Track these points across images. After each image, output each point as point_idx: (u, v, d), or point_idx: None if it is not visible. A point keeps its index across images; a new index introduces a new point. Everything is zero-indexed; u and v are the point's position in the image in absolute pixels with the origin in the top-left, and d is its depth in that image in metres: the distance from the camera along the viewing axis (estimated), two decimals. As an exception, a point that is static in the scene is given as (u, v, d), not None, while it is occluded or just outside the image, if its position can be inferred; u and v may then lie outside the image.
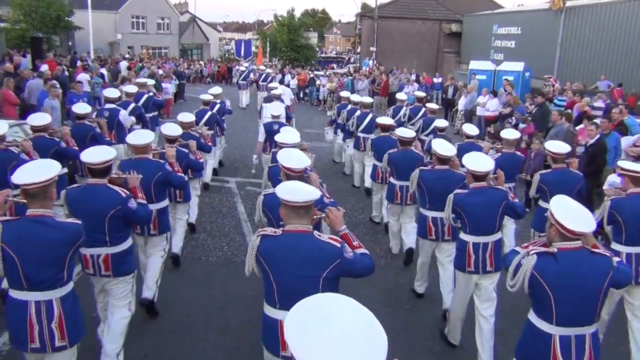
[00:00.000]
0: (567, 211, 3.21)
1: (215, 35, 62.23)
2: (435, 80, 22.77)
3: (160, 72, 16.43)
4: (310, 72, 28.53)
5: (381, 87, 19.34)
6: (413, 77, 23.58)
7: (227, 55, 58.56)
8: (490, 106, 15.12)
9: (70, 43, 38.04)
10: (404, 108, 11.38)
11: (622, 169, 4.96)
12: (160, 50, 46.06)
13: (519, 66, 21.42)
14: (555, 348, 3.24)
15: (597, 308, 3.23)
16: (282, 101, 11.52)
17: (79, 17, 32.52)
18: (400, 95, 12.42)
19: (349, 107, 10.90)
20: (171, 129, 6.37)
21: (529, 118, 12.34)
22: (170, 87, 18.10)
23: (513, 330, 4.91)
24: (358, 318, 1.59)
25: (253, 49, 37.92)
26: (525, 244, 3.50)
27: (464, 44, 31.91)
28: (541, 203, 6.01)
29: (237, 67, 27.57)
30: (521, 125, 11.79)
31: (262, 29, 43.30)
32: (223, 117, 10.69)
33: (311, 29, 48.71)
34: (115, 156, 4.38)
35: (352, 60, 62.88)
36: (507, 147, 6.97)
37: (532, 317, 3.37)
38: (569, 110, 13.96)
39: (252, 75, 21.68)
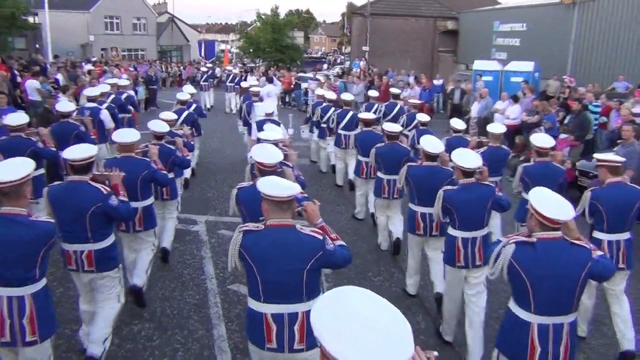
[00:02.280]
0: (546, 201, 3.29)
1: (196, 37, 59.55)
2: (435, 82, 20.58)
3: (124, 77, 14.04)
4: (295, 72, 26.19)
5: (381, 91, 17.12)
6: (411, 79, 21.40)
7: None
8: (511, 113, 12.94)
9: (37, 45, 35.60)
10: (377, 104, 11.35)
11: (599, 160, 5.10)
12: (136, 52, 43.56)
13: (528, 66, 19.36)
14: (533, 336, 3.30)
15: (574, 298, 3.29)
16: (262, 100, 11.45)
17: (49, 17, 29.97)
18: (372, 93, 12.52)
19: (324, 104, 10.91)
20: (159, 125, 6.37)
21: (569, 128, 10.16)
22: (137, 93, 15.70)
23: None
24: (383, 309, 1.56)
25: (217, 50, 35.84)
26: (510, 235, 3.51)
27: (461, 42, 29.76)
28: (524, 195, 6.05)
29: (200, 68, 26.59)
30: (562, 135, 9.68)
31: (244, 29, 40.63)
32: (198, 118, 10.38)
33: (296, 28, 46.08)
34: (96, 153, 4.42)
35: (338, 60, 61.01)
36: (493, 141, 7.05)
37: (512, 305, 3.44)
38: (605, 118, 11.91)
39: (218, 74, 21.53)
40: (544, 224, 3.23)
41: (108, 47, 40.09)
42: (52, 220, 3.59)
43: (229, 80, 20.10)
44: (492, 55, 24.58)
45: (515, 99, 13.29)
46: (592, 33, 19.48)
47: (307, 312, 3.12)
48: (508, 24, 24.49)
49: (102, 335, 4.36)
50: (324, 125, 10.72)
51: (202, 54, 35.31)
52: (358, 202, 8.46)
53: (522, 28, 23.40)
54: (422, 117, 8.86)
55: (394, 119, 10.13)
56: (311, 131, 11.66)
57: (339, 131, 9.80)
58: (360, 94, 17.51)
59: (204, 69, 24.30)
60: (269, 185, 3.21)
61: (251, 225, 3.26)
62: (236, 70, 22.81)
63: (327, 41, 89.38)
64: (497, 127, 7.31)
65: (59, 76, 15.55)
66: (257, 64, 37.66)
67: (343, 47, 52.88)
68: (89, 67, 20.76)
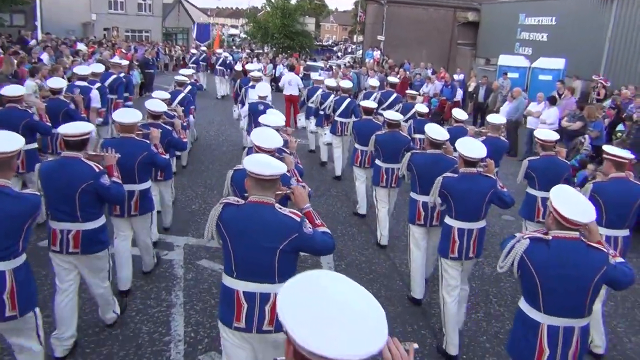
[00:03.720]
0: (566, 200, 3.18)
1: (204, 20, 57.80)
2: (455, 77, 18.89)
3: (116, 59, 12.52)
4: (303, 61, 24.44)
5: (399, 84, 15.49)
6: (429, 72, 19.76)
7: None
8: (547, 117, 11.34)
9: (36, 23, 34.03)
10: (375, 93, 11.06)
11: (606, 152, 4.99)
12: (140, 33, 41.95)
13: (558, 63, 17.74)
14: (542, 337, 3.20)
15: (586, 301, 3.16)
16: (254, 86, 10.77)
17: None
18: (372, 82, 12.31)
19: (321, 90, 10.80)
20: (156, 104, 6.31)
21: (626, 140, 8.56)
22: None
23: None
24: (355, 295, 1.47)
25: (213, 33, 34.24)
26: (525, 232, 3.45)
27: (481, 35, 27.87)
28: (529, 190, 6.05)
29: (191, 50, 25.68)
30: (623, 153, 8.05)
31: (253, 13, 38.84)
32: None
33: (307, 15, 44.19)
34: (93, 130, 4.38)
35: (349, 50, 59.20)
36: (493, 131, 7.03)
37: (522, 304, 3.35)
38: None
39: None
40: (562, 223, 3.14)
41: (111, 27, 38.50)
42: (38, 193, 3.59)
43: (218, 64, 19.22)
44: (516, 50, 22.84)
45: (552, 101, 11.67)
46: (632, 30, 17.69)
47: None
48: (535, 17, 22.66)
49: (109, 308, 4.63)
50: (322, 113, 10.58)
51: (195, 36, 34.02)
52: (359, 195, 8.23)
53: (551, 22, 21.59)
54: (421, 107, 8.82)
55: (389, 108, 9.90)
56: (307, 119, 11.37)
57: (336, 118, 9.81)
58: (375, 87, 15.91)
59: (194, 51, 23.69)
60: (254, 163, 3.18)
61: (232, 199, 3.25)
62: (226, 54, 22.19)
63: (338, 29, 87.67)
64: (497, 118, 7.32)
65: (44, 56, 13.99)
66: (264, 51, 35.87)
67: (355, 36, 51.03)
68: (82, 46, 19.18)
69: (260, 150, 4.11)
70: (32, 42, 17.57)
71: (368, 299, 1.45)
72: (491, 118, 7.28)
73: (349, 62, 31.82)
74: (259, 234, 3.07)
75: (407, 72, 18.24)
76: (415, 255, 5.65)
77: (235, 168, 4.27)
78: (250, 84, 10.92)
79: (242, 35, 44.74)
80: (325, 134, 10.62)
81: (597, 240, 3.21)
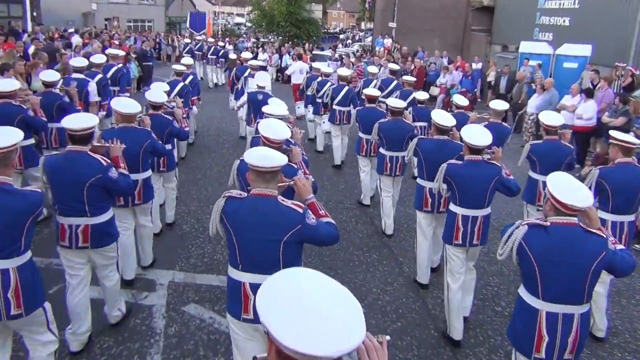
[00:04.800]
0: (563, 186, 3.20)
1: (209, 9, 56.52)
2: (474, 65, 17.67)
3: (111, 50, 11.46)
4: (309, 51, 23.19)
5: (415, 75, 14.35)
6: (445, 61, 18.57)
7: (222, 31, 53.38)
8: (584, 112, 10.19)
9: (35, 13, 33.03)
10: (375, 80, 11.04)
11: (613, 138, 4.94)
12: (143, 23, 40.93)
13: (584, 50, 16.49)
14: (541, 324, 3.19)
15: (585, 288, 3.15)
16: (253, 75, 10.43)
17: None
18: (371, 69, 11.97)
19: (319, 78, 10.59)
20: (156, 95, 6.19)
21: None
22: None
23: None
24: (333, 292, 1.49)
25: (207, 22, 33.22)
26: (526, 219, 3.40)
27: (497, 20, 26.47)
28: (530, 174, 6.06)
29: (184, 40, 25.68)
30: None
31: (259, 1, 37.48)
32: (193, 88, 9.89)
33: (314, 2, 42.72)
34: (97, 123, 4.25)
35: (357, 37, 57.76)
36: (495, 117, 7.01)
37: (522, 291, 3.35)
38: None
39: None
40: (559, 209, 3.15)
41: (112, 17, 37.43)
42: (39, 190, 3.53)
43: (210, 53, 19.05)
44: (535, 36, 21.54)
45: (589, 94, 10.51)
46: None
47: None
48: (556, 0, 21.37)
49: (114, 304, 4.59)
50: (319, 101, 10.41)
51: (188, 25, 33.11)
52: (363, 185, 8.19)
53: (574, 5, 20.26)
54: (420, 94, 8.77)
55: (389, 95, 9.77)
56: (305, 107, 11.16)
57: (334, 107, 9.65)
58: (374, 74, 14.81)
59: (187, 40, 23.08)
60: (255, 156, 3.16)
61: (235, 193, 3.24)
62: (222, 43, 22.09)
63: (345, 16, 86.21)
64: (499, 104, 7.25)
65: (31, 49, 12.94)
66: (270, 40, 34.66)
67: (363, 23, 49.64)
68: (76, 39, 18.12)
69: (268, 141, 4.03)
70: (25, 37, 16.45)
71: (346, 296, 1.48)
72: (494, 104, 7.19)
73: (357, 50, 30.53)
74: (262, 226, 3.07)
75: (421, 61, 17.03)
76: (421, 242, 5.70)
77: (241, 158, 4.07)
78: (249, 72, 10.93)
79: (248, 24, 43.49)
80: (323, 122, 10.43)
81: (597, 227, 3.19)
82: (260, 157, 3.14)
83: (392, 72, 12.16)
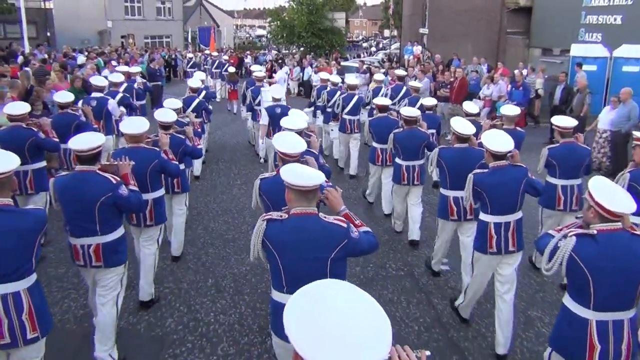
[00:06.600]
0: (606, 192, 3.13)
1: (229, 22, 55.45)
2: (524, 72, 15.62)
3: (105, 74, 10.10)
4: (337, 64, 21.34)
5: (455, 87, 12.52)
6: (484, 68, 16.65)
7: (244, 44, 52.28)
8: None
9: (48, 34, 32.21)
10: (384, 88, 11.06)
11: (638, 139, 4.99)
12: (161, 39, 39.93)
13: (644, 51, 14.43)
14: (592, 334, 3.13)
15: (636, 292, 3.12)
16: (263, 85, 11.05)
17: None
18: (378, 76, 11.96)
19: (329, 88, 10.71)
20: (165, 114, 6.19)
21: None
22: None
23: (545, 318, 5.11)
24: (360, 306, 1.51)
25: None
26: (559, 227, 3.36)
27: (535, 21, 24.32)
28: (548, 178, 6.00)
29: (187, 55, 25.96)
30: None
31: (276, 10, 36.08)
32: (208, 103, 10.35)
33: (336, 10, 40.97)
34: (103, 143, 4.28)
35: (381, 45, 56.00)
36: (507, 123, 6.93)
37: (568, 301, 3.27)
38: None
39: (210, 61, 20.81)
40: (604, 216, 3.08)
41: (129, 33, 36.44)
42: (42, 208, 3.55)
43: (214, 67, 19.48)
44: (580, 37, 19.47)
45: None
46: None
47: None
48: (606, -4, 19.27)
49: (107, 349, 4.36)
50: (329, 110, 10.46)
51: (190, 40, 32.31)
52: (370, 184, 8.34)
53: (627, 1, 18.21)
54: (428, 101, 8.71)
55: (400, 102, 9.88)
56: (314, 116, 11.13)
57: (344, 116, 9.65)
58: (426, 90, 13.02)
59: (190, 55, 23.05)
60: (293, 174, 3.11)
61: (274, 214, 3.19)
62: (226, 57, 22.66)
63: (367, 25, 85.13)
64: (511, 109, 7.07)
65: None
66: (290, 51, 33.11)
67: (390, 31, 47.82)
68: (81, 58, 16.81)
69: (285, 156, 4.00)
70: (21, 59, 15.17)
71: (374, 309, 1.48)
72: (505, 110, 7.05)
73: (382, 59, 28.77)
74: (307, 245, 3.03)
75: (462, 70, 15.14)
76: (440, 244, 5.85)
77: (261, 177, 4.16)
78: (257, 84, 10.97)
79: (269, 36, 42.22)
80: (332, 130, 10.52)
81: (630, 225, 3.14)
82: (299, 175, 3.09)
83: (400, 78, 11.84)
